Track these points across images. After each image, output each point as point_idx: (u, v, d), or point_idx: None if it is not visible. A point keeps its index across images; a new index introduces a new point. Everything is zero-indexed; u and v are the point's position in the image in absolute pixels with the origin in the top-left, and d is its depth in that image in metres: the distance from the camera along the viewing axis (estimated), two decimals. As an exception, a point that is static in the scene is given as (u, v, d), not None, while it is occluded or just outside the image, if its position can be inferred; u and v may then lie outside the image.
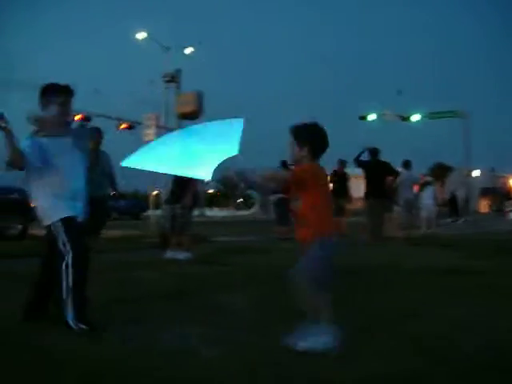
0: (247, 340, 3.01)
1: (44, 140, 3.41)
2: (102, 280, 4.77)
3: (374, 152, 10.13)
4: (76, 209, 3.45)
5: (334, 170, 11.96)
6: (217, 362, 2.64)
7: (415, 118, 24.80)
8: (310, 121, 3.01)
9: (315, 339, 2.72)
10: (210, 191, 36.99)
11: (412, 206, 12.39)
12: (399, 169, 11.64)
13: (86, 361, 2.64)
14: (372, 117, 25.59)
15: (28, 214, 11.64)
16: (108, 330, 3.21)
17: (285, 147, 3.05)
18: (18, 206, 11.43)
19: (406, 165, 12.06)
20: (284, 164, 9.60)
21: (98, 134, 6.25)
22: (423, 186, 14.35)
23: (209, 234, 11.98)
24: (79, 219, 3.45)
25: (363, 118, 25.69)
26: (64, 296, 3.27)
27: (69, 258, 3.29)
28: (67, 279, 3.28)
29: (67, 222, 3.36)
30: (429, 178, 16.28)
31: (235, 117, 3.50)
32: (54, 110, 3.49)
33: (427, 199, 14.06)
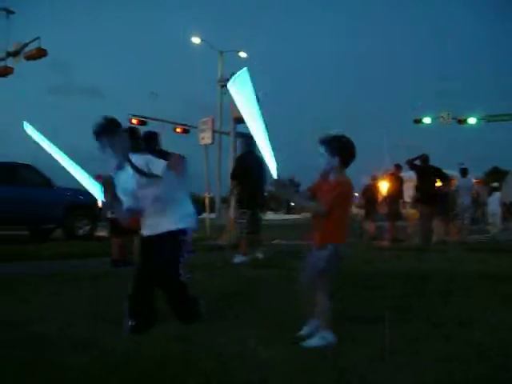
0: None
1: None
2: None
3: (424, 159, 10.58)
4: None
5: (391, 174, 12.05)
6: (273, 363, 2.68)
7: (472, 120, 24.19)
8: (338, 132, 3.18)
9: (321, 337, 3.03)
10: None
11: (468, 211, 12.76)
12: (456, 175, 12.23)
13: (142, 361, 2.72)
14: (427, 120, 25.14)
15: (95, 216, 12.32)
16: (162, 331, 3.31)
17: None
18: (87, 209, 12.11)
19: (463, 172, 12.93)
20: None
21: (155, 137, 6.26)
22: (491, 191, 14.93)
23: (266, 237, 12.08)
24: None
25: (418, 121, 25.25)
26: None
27: None
28: None
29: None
30: (495, 184, 16.45)
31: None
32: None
33: (494, 204, 14.27)
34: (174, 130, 19.63)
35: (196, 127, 15.72)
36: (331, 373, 2.54)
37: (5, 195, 11.06)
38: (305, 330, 3.20)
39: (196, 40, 22.71)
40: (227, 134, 18.99)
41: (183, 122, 20.18)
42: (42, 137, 4.02)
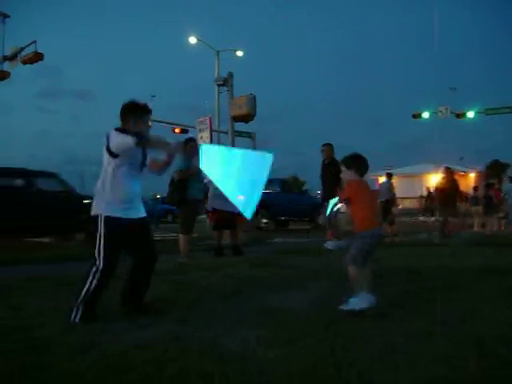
0: (306, 341, 3.04)
1: None
2: (160, 282, 4.94)
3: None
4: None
5: (444, 177, 13.45)
6: (276, 363, 2.67)
7: (470, 114, 24.20)
8: (354, 152, 4.13)
9: (355, 302, 3.65)
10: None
11: None
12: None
13: (142, 363, 2.70)
14: (425, 115, 25.15)
15: None
16: (162, 332, 3.31)
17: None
18: None
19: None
20: None
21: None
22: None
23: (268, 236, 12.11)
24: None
25: (417, 115, 25.26)
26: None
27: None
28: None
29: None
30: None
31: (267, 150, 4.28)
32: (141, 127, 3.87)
33: None
34: (173, 130, 19.65)
35: (194, 127, 15.71)
36: (332, 371, 2.53)
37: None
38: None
39: (192, 40, 22.70)
40: (225, 132, 18.99)
41: (181, 122, 20.21)
42: None
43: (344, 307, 3.66)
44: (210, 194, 8.53)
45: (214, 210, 8.51)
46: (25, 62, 18.18)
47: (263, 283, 5.25)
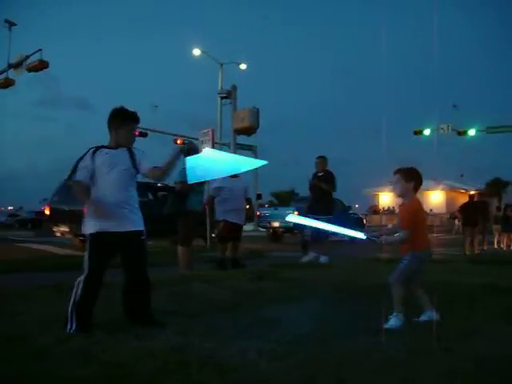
0: (306, 354, 3.04)
1: None
2: (159, 293, 4.93)
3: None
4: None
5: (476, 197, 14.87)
6: (276, 376, 2.66)
7: (472, 132, 24.27)
8: (411, 166, 4.12)
9: (395, 321, 3.80)
10: (266, 205, 37.14)
11: None
12: None
13: (141, 373, 2.70)
14: (427, 132, 25.22)
15: None
16: (161, 343, 3.29)
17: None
18: None
19: None
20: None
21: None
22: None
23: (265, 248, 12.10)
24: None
25: (418, 132, 25.32)
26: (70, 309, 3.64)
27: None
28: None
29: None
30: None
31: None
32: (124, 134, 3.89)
33: None
34: (175, 141, 19.71)
35: (196, 139, 15.74)
36: (334, 382, 2.53)
37: None
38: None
39: (196, 52, 22.83)
40: (227, 145, 19.05)
41: (184, 134, 20.28)
42: None
43: (387, 325, 3.72)
44: (217, 204, 8.56)
45: (225, 222, 8.48)
46: (30, 70, 18.29)
47: (262, 295, 5.24)
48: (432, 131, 24.94)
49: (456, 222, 16.87)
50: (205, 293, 5.41)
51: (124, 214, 3.76)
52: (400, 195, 4.06)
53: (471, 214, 13.33)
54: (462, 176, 57.71)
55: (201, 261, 9.31)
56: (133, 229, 3.80)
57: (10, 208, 49.09)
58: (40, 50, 18.15)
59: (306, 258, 9.12)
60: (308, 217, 8.80)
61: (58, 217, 12.64)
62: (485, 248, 14.11)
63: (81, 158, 3.79)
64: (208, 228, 13.25)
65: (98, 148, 3.84)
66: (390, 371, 2.71)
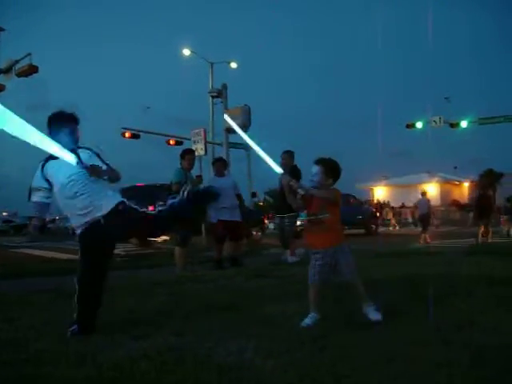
0: (303, 351, 3.03)
1: None
2: (156, 294, 4.92)
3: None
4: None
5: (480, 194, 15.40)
6: (273, 374, 2.65)
7: (464, 124, 24.35)
8: (330, 156, 3.99)
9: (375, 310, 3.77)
10: (261, 203, 37.03)
11: None
12: None
13: (138, 374, 2.69)
14: (419, 125, 25.27)
15: None
16: (158, 343, 3.29)
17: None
18: None
19: None
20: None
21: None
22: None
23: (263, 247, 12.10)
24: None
25: (410, 125, 25.37)
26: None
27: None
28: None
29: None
30: None
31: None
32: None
33: None
34: (167, 142, 19.66)
35: (189, 139, 15.73)
36: (331, 380, 2.52)
37: None
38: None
39: (186, 52, 22.75)
40: (220, 144, 19.01)
41: (175, 134, 20.24)
42: None
43: (375, 318, 3.73)
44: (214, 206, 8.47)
45: (219, 221, 8.41)
46: (19, 75, 18.18)
47: (259, 294, 5.23)
48: (424, 124, 25.01)
49: (470, 214, 17.20)
50: (201, 293, 5.40)
51: (94, 206, 3.89)
52: (316, 187, 3.92)
53: (485, 207, 14.45)
54: (455, 168, 57.99)
55: (197, 261, 9.33)
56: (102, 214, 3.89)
57: (4, 214, 48.85)
58: (29, 54, 18.03)
59: (292, 259, 8.80)
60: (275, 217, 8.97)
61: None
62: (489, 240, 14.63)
63: None
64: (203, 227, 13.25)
65: None
66: (387, 365, 2.70)
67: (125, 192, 4.54)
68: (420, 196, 16.41)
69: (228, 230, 8.32)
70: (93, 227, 3.82)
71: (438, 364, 2.71)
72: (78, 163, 3.67)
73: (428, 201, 16.14)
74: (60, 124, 3.92)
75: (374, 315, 3.75)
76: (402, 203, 41.30)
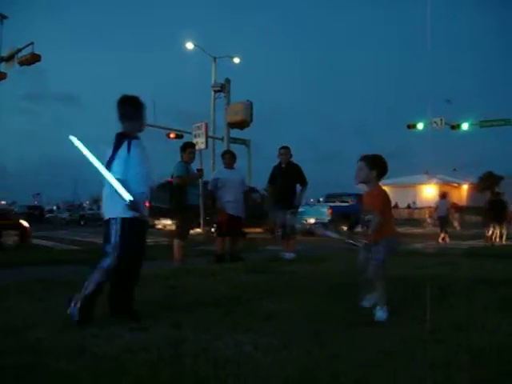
0: (301, 347, 3.03)
1: None
2: (153, 286, 4.91)
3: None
4: None
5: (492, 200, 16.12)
6: (270, 368, 2.65)
7: (465, 126, 24.34)
8: (376, 153, 4.16)
9: (381, 314, 3.79)
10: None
11: None
12: None
13: (135, 366, 2.69)
14: (420, 126, 25.26)
15: None
16: (155, 336, 3.28)
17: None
18: None
19: None
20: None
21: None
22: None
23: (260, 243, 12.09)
24: None
25: (411, 126, 25.36)
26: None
27: None
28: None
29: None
30: None
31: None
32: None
33: None
34: (168, 135, 19.62)
35: (189, 133, 15.69)
36: (328, 376, 2.52)
37: None
38: (367, 302, 4.08)
39: (189, 46, 22.69)
40: (221, 139, 18.99)
41: (176, 127, 20.19)
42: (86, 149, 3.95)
43: (379, 318, 3.78)
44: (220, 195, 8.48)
45: (223, 214, 8.38)
46: (22, 64, 18.16)
47: (258, 289, 5.22)
48: (425, 125, 24.99)
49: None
50: (200, 286, 5.39)
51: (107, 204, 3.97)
52: (362, 182, 4.11)
53: (499, 211, 15.42)
54: (454, 170, 57.95)
55: (196, 254, 9.32)
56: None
57: (2, 202, 48.84)
58: (32, 43, 18.01)
59: (290, 255, 8.69)
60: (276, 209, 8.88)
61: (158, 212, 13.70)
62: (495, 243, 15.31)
63: None
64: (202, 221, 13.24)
65: None
66: (385, 364, 2.71)
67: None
68: (439, 198, 17.38)
69: (230, 224, 8.29)
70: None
71: (435, 364, 2.71)
72: (130, 202, 3.68)
73: (447, 203, 16.98)
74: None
75: (379, 315, 3.81)
76: (396, 203, 41.39)
